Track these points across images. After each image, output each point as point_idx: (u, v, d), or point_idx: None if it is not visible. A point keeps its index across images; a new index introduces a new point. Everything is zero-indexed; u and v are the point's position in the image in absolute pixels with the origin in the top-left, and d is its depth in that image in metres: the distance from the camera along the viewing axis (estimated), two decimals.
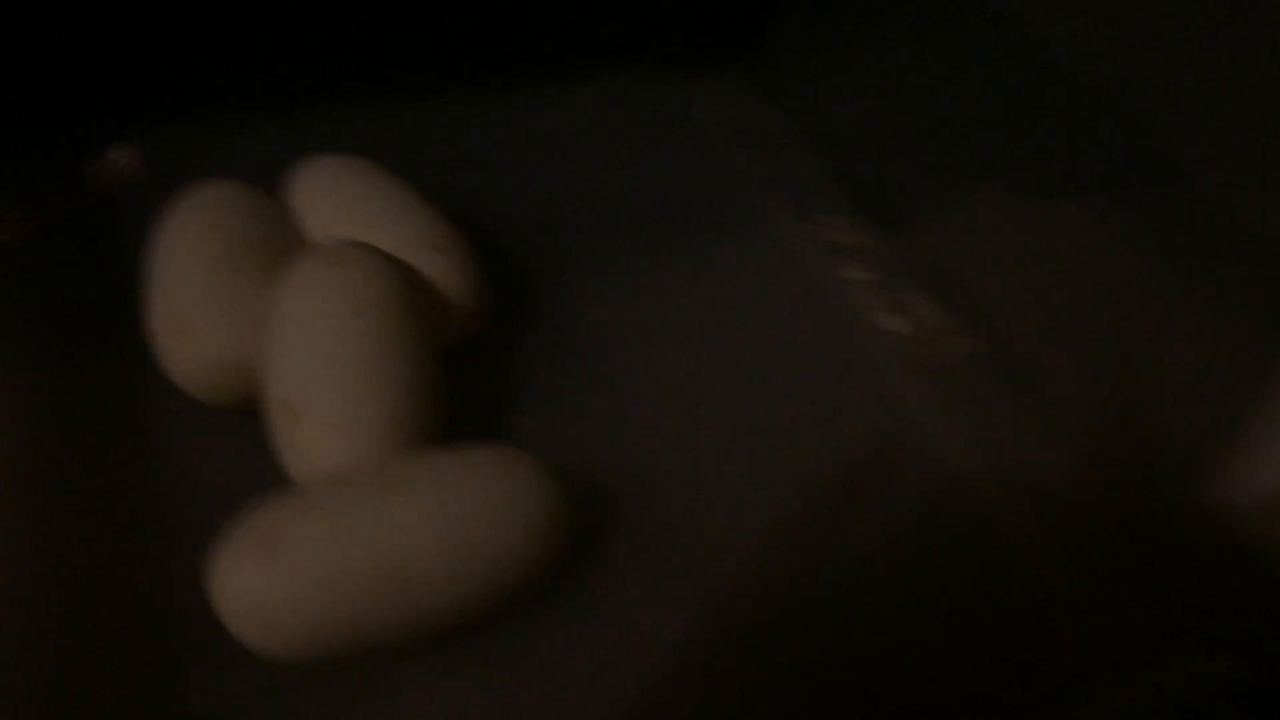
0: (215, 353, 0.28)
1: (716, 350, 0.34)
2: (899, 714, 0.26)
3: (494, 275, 0.32)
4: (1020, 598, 0.29)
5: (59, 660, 0.24)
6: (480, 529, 0.24)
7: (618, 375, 0.33)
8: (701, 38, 0.46)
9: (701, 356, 0.34)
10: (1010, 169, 0.35)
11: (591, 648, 0.26)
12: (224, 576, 0.23)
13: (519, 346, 0.33)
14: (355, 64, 0.40)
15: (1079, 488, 0.31)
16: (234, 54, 0.38)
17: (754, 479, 0.31)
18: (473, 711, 0.25)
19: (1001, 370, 0.34)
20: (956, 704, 0.26)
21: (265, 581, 0.23)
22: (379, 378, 0.26)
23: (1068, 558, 0.30)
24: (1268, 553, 0.26)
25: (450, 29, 0.41)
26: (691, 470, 0.31)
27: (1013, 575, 0.29)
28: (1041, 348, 0.33)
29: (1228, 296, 0.28)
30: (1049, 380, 0.33)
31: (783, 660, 0.27)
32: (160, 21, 0.36)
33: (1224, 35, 0.26)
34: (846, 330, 0.36)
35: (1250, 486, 0.26)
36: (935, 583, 0.29)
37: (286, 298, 0.27)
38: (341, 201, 0.31)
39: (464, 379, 0.30)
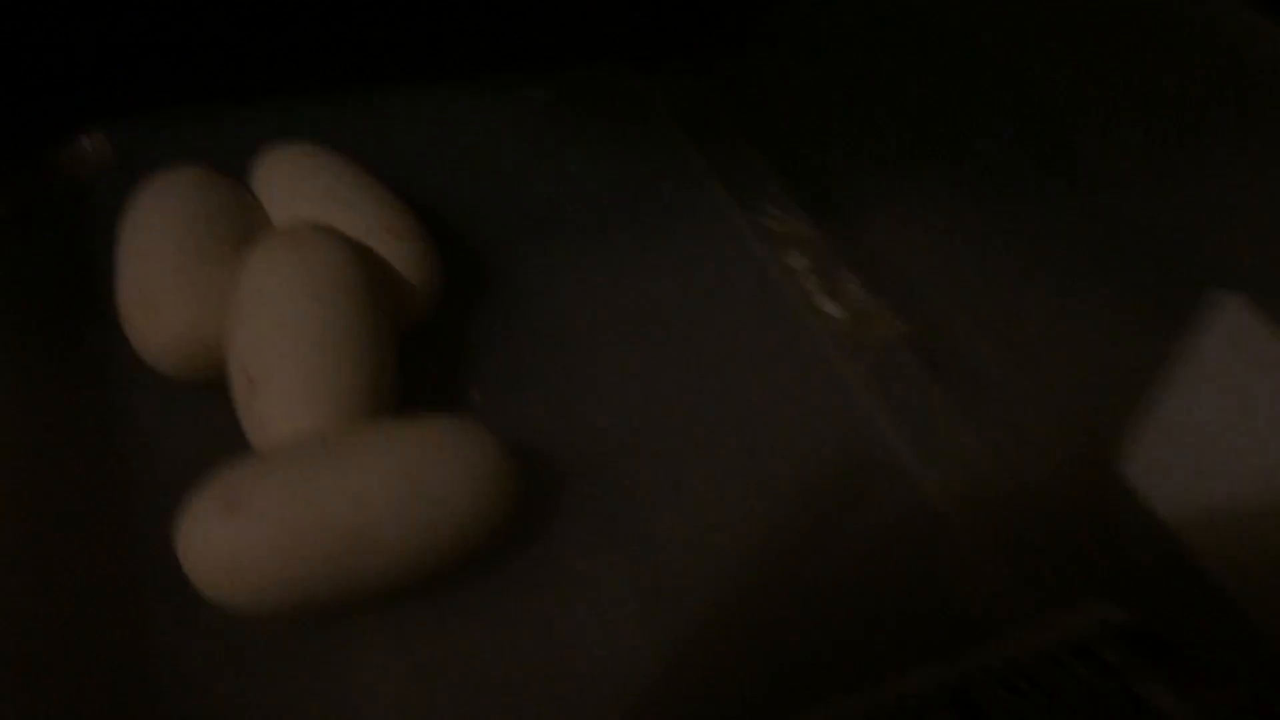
0: (182, 331, 0.29)
1: (663, 332, 0.36)
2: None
3: (449, 260, 0.34)
4: (935, 557, 0.31)
5: (32, 617, 0.26)
6: (432, 491, 0.26)
7: (568, 356, 0.35)
8: (654, 33, 0.48)
9: (649, 338, 0.36)
10: (941, 162, 0.37)
11: (537, 602, 0.28)
12: (188, 535, 0.25)
13: (473, 328, 0.35)
14: (319, 56, 0.41)
15: (998, 459, 0.34)
16: (202, 45, 0.40)
17: (695, 447, 0.33)
18: (426, 661, 0.27)
19: (928, 351, 0.37)
20: (868, 644, 0.28)
21: (227, 539, 0.24)
22: (334, 352, 0.27)
23: (983, 523, 0.32)
24: (1159, 518, 0.28)
25: (412, 23, 0.43)
26: (636, 441, 0.32)
27: (929, 536, 0.32)
28: (966, 331, 0.36)
29: (1130, 282, 0.30)
30: (971, 360, 0.35)
31: (716, 613, 0.29)
32: (129, 12, 0.37)
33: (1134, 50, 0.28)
34: (788, 314, 0.38)
35: (1148, 457, 0.29)
36: (858, 543, 0.31)
37: (248, 277, 0.29)
38: (303, 187, 0.33)
39: (419, 358, 0.32)
